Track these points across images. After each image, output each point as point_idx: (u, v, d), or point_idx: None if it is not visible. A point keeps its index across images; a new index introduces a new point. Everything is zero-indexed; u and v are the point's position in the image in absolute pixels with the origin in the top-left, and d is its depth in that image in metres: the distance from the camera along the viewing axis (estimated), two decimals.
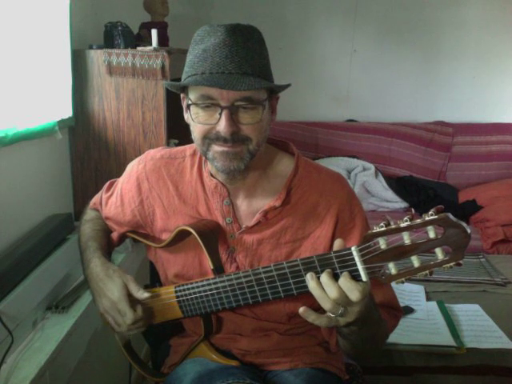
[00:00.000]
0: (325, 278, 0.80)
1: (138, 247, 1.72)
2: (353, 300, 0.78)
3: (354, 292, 0.78)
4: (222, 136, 0.90)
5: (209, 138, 0.92)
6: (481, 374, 1.57)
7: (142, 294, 0.97)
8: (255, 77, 0.88)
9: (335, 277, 0.80)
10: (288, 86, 0.95)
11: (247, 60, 0.88)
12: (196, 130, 0.94)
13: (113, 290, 0.98)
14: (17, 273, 1.31)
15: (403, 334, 1.69)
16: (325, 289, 0.80)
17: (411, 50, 3.50)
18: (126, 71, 1.91)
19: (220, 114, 0.89)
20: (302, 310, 0.82)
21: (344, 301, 0.79)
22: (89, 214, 1.21)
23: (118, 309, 0.98)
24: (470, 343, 1.67)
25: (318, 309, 0.84)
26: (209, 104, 0.90)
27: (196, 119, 0.92)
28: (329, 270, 0.81)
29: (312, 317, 0.82)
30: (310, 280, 0.82)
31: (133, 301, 0.98)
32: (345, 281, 0.79)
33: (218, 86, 0.85)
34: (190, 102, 0.92)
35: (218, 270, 0.99)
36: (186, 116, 0.99)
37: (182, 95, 0.99)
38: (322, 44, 3.51)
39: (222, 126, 0.88)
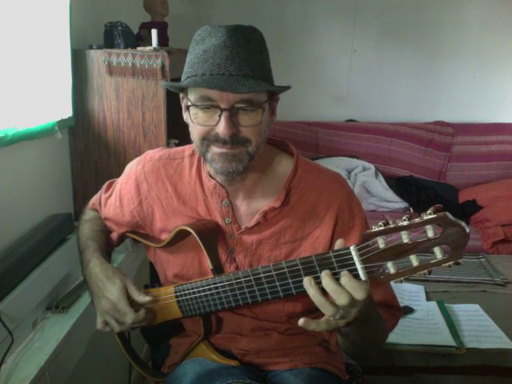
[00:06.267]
0: (331, 284, 0.79)
1: (137, 247, 1.72)
2: (358, 299, 0.77)
3: (358, 291, 0.77)
4: (221, 138, 0.89)
5: (208, 139, 0.92)
6: (481, 374, 1.56)
7: (144, 298, 0.98)
8: (255, 79, 0.88)
9: (334, 275, 0.80)
10: (288, 87, 0.94)
11: (248, 62, 0.87)
12: (195, 131, 0.94)
13: (112, 290, 0.98)
14: (17, 273, 1.31)
15: (403, 334, 1.69)
16: (333, 296, 0.78)
17: (411, 50, 3.50)
18: (126, 71, 1.91)
19: (219, 116, 0.88)
20: (301, 321, 0.80)
21: (350, 303, 0.78)
22: (88, 214, 1.21)
23: (117, 309, 0.98)
24: (469, 343, 1.67)
25: (317, 309, 0.83)
26: (208, 105, 0.89)
27: (195, 120, 0.92)
28: (329, 272, 0.79)
29: (312, 326, 0.80)
30: (309, 288, 0.80)
31: (132, 302, 0.98)
32: (348, 280, 0.77)
33: (218, 88, 0.84)
34: (189, 103, 0.92)
35: (218, 269, 0.99)
36: (185, 116, 0.99)
37: (181, 95, 0.99)
38: (321, 44, 3.51)
39: (222, 128, 0.88)
